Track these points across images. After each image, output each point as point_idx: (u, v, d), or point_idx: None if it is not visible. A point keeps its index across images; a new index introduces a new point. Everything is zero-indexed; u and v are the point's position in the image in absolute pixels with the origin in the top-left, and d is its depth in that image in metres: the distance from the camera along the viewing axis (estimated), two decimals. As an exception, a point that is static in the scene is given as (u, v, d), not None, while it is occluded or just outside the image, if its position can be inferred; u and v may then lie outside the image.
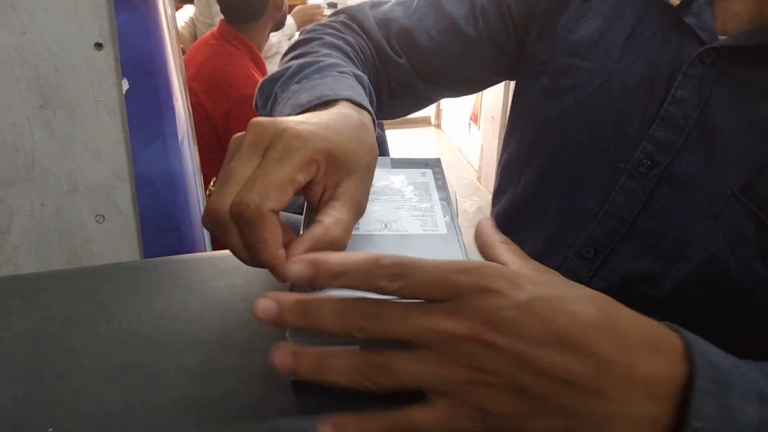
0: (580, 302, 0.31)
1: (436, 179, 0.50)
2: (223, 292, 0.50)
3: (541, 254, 0.61)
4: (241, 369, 0.41)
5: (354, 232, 0.42)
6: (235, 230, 0.35)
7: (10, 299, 0.49)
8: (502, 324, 0.30)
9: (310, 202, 0.40)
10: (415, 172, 0.51)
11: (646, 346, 0.31)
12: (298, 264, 0.31)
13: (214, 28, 1.83)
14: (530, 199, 0.63)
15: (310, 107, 0.46)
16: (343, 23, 0.66)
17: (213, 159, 1.73)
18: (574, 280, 0.55)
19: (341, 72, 0.53)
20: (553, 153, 0.59)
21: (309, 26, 0.66)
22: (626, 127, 0.53)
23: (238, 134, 0.38)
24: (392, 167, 0.52)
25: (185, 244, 0.89)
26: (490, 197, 2.76)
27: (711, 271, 0.48)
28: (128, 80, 0.76)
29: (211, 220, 0.36)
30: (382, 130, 2.53)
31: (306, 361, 0.31)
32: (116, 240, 0.86)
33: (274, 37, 2.13)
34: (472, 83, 0.69)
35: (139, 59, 0.76)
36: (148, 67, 0.77)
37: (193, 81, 1.68)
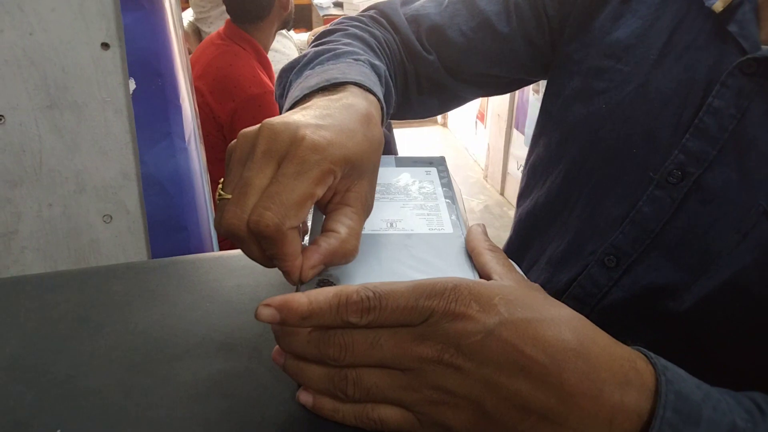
0: (554, 326, 0.32)
1: (441, 177, 0.50)
2: (230, 292, 0.49)
3: (561, 259, 0.59)
4: (247, 370, 0.41)
5: None
6: (255, 243, 0.36)
7: (19, 300, 0.49)
8: (469, 349, 0.31)
9: (317, 205, 0.40)
10: (420, 171, 0.51)
11: (616, 378, 0.31)
12: (267, 309, 0.32)
13: (221, 28, 1.83)
14: (554, 201, 0.61)
15: (317, 89, 0.45)
16: (371, 17, 0.65)
17: (219, 159, 1.73)
18: (594, 288, 0.56)
19: (356, 59, 0.52)
20: (580, 156, 0.57)
21: (337, 19, 0.66)
22: (658, 135, 0.51)
23: (246, 130, 0.37)
24: (397, 166, 0.52)
25: (192, 244, 0.89)
26: (497, 196, 2.76)
27: (735, 290, 0.46)
28: (135, 80, 0.76)
29: (228, 233, 0.36)
30: (390, 130, 2.52)
31: (290, 364, 0.34)
32: (124, 240, 0.86)
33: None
34: (504, 82, 0.68)
35: (145, 59, 0.75)
36: (154, 67, 0.77)
37: (199, 81, 1.68)
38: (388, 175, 0.50)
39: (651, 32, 0.53)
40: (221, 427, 0.37)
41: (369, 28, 0.64)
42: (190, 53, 2.35)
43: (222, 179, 0.38)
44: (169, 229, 0.86)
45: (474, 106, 3.28)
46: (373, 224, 0.43)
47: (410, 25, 0.64)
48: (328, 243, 0.37)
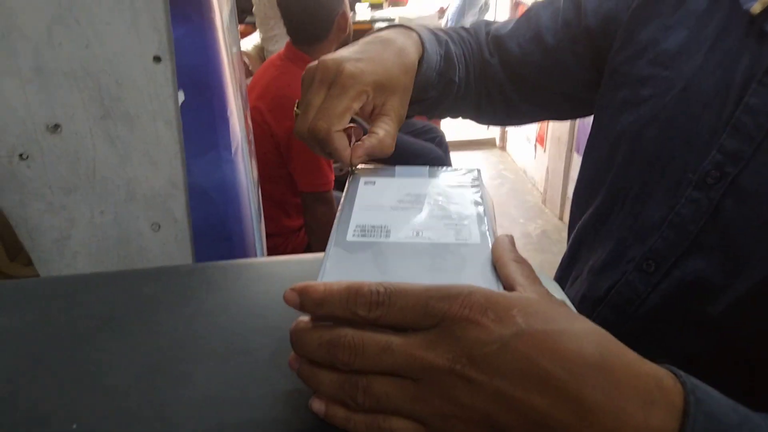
0: (575, 339, 0.30)
1: (473, 189, 0.49)
2: (256, 298, 0.49)
3: (601, 268, 0.59)
4: (264, 375, 0.41)
5: (385, 240, 0.41)
6: (317, 144, 0.50)
7: (51, 299, 0.50)
8: (482, 360, 0.29)
9: (363, 115, 0.54)
10: (453, 181, 0.50)
11: (640, 396, 0.29)
12: (291, 293, 0.33)
13: (281, 50, 1.88)
14: (600, 215, 0.62)
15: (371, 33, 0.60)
16: (462, 27, 0.74)
17: (275, 175, 1.76)
18: (632, 294, 0.55)
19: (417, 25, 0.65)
20: (624, 164, 0.58)
21: None
22: (697, 136, 0.51)
23: (311, 64, 0.53)
24: (429, 177, 0.51)
25: (237, 254, 0.90)
26: (555, 220, 2.71)
27: None
28: (184, 92, 0.78)
29: (299, 136, 0.51)
30: (447, 152, 2.52)
31: (304, 369, 0.34)
32: (170, 248, 0.88)
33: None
34: (558, 98, 0.70)
35: (194, 72, 0.78)
36: (203, 80, 0.79)
37: (259, 100, 1.72)
38: (419, 184, 0.49)
39: (697, 40, 0.53)
40: (235, 430, 0.36)
41: (457, 30, 0.73)
42: (251, 74, 2.42)
43: (298, 100, 0.54)
44: (213, 238, 0.87)
45: (533, 128, 3.24)
46: (400, 232, 0.42)
47: (486, 37, 0.72)
48: (369, 141, 0.50)
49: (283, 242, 1.88)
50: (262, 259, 0.55)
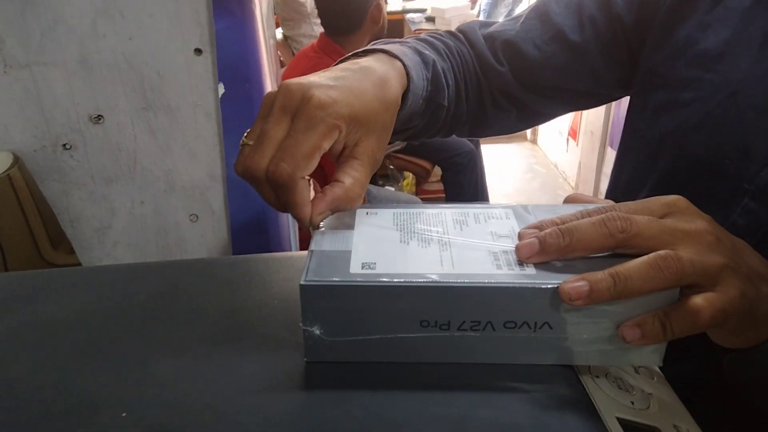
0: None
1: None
2: (298, 292, 0.50)
3: None
4: (308, 368, 0.41)
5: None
6: (269, 188, 0.41)
7: (100, 288, 0.51)
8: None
9: (331, 155, 0.44)
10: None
11: None
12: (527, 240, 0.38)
13: (315, 41, 1.88)
14: None
15: (349, 56, 0.51)
16: (448, 32, 0.67)
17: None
18: None
19: (402, 42, 0.56)
20: (669, 170, 0.55)
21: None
22: (752, 144, 0.49)
23: (271, 92, 0.43)
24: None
25: (272, 246, 0.91)
26: (585, 214, 2.63)
27: None
28: (224, 85, 0.78)
29: (246, 175, 0.41)
30: (477, 146, 2.50)
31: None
32: (208, 239, 0.89)
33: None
34: (582, 97, 0.67)
35: (235, 64, 0.78)
36: (243, 73, 0.80)
37: (291, 91, 1.73)
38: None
39: (742, 40, 0.50)
40: (278, 420, 0.37)
41: (443, 38, 0.65)
42: (283, 65, 2.42)
43: (248, 130, 0.43)
44: (250, 230, 0.88)
45: (566, 121, 3.19)
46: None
47: (486, 41, 0.66)
48: (333, 192, 0.42)
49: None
50: (303, 253, 0.55)
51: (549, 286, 0.36)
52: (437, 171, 2.45)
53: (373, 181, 2.57)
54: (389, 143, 0.63)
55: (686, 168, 0.54)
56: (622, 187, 0.64)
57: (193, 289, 0.50)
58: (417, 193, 2.81)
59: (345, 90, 0.42)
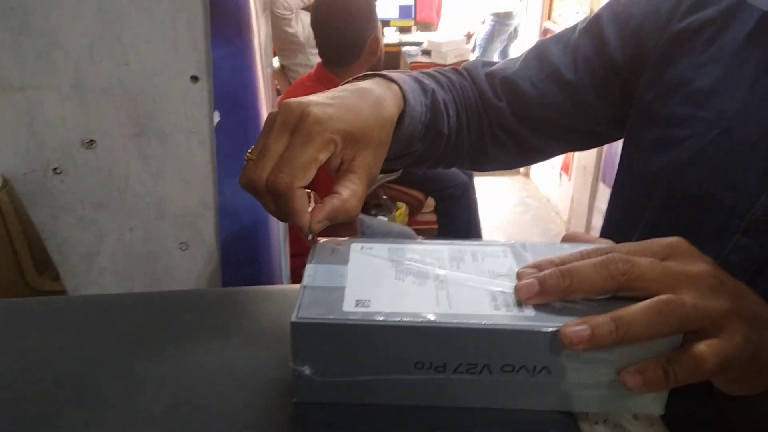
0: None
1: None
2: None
3: None
4: (296, 410, 0.39)
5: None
6: (270, 198, 0.44)
7: (81, 319, 0.49)
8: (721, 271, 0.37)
9: (329, 170, 0.47)
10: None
11: None
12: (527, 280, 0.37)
13: (312, 71, 1.89)
14: None
15: (346, 81, 0.55)
16: (452, 69, 0.69)
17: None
18: None
19: (402, 71, 0.58)
20: (661, 206, 0.56)
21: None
22: (744, 181, 0.49)
23: (273, 111, 0.46)
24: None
25: (263, 277, 0.89)
26: (578, 250, 2.62)
27: None
28: (219, 112, 0.78)
29: (249, 186, 0.44)
30: (471, 179, 2.50)
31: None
32: (198, 268, 0.87)
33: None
34: (578, 134, 0.68)
35: (230, 92, 0.78)
36: (239, 101, 0.79)
37: (286, 120, 1.73)
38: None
39: (734, 78, 0.51)
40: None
41: (446, 73, 0.67)
42: (280, 93, 2.43)
43: (252, 147, 0.46)
44: (240, 259, 0.86)
45: (559, 156, 3.21)
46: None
47: (487, 78, 0.68)
48: (331, 202, 0.44)
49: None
50: (296, 287, 0.54)
51: (549, 330, 0.35)
52: (430, 202, 2.45)
53: (366, 211, 2.56)
54: (392, 170, 0.64)
55: (679, 204, 0.54)
56: (616, 223, 0.65)
57: (178, 323, 0.49)
58: (410, 224, 2.80)
59: (341, 107, 0.46)
